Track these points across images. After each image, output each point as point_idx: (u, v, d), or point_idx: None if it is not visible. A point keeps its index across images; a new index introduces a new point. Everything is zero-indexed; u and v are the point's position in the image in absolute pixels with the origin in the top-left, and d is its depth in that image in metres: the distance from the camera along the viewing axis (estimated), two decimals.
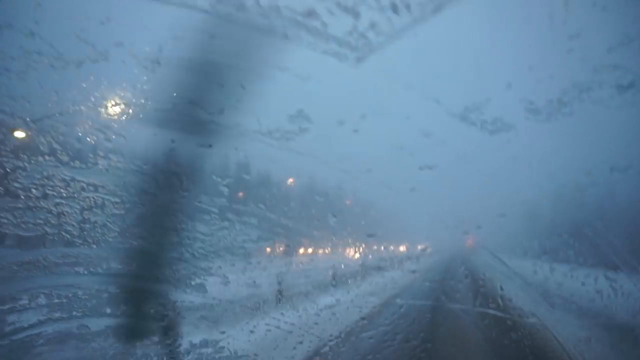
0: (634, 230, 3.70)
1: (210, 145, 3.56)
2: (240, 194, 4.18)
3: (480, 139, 3.25)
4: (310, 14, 2.84)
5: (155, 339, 4.07)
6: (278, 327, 4.50)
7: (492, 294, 4.60)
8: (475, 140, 3.34)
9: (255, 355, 4.35)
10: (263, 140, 3.74)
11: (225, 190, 4.16)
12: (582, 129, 3.36)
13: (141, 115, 3.71)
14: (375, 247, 4.48)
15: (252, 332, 4.34)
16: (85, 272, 4.26)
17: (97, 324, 3.93)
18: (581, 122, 3.26)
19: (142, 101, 3.64)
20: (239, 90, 3.59)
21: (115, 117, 3.78)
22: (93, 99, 3.58)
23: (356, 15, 2.82)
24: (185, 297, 4.44)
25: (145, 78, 3.40)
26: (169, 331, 4.20)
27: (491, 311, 4.51)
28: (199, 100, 3.76)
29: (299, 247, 4.68)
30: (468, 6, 2.61)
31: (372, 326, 4.49)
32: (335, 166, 3.76)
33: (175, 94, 3.67)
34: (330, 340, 4.23)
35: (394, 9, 2.72)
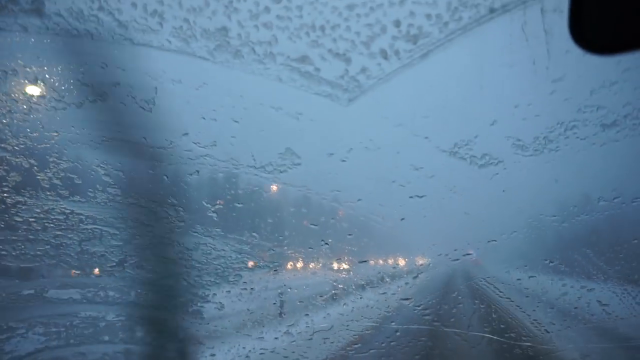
0: (620, 254, 3.79)
1: (197, 172, 3.64)
2: (235, 223, 4.26)
3: (469, 172, 3.34)
4: (304, 59, 2.94)
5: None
6: (273, 352, 4.55)
7: (486, 318, 4.67)
8: (465, 174, 3.43)
9: None
10: (256, 174, 3.82)
11: (221, 220, 4.24)
12: (569, 163, 3.46)
13: (137, 151, 3.80)
14: (367, 272, 4.55)
15: (247, 357, 4.40)
16: (84, 301, 4.33)
17: (94, 351, 3.99)
18: (567, 157, 3.36)
19: (139, 138, 3.74)
20: (232, 124, 3.69)
21: (113, 153, 3.87)
22: (92, 137, 3.67)
23: (347, 60, 2.92)
24: (182, 324, 4.50)
25: (142, 116, 3.49)
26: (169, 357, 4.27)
27: (487, 335, 4.58)
28: (193, 135, 3.85)
29: (293, 273, 4.75)
30: (454, 52, 2.71)
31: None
32: (327, 196, 3.84)
33: (170, 131, 3.77)
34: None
35: (384, 55, 2.82)
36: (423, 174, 3.44)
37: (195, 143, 3.60)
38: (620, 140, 3.23)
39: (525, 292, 4.39)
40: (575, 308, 4.23)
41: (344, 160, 3.25)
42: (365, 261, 4.47)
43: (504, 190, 3.59)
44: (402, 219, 3.90)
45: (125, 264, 4.32)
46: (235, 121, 3.41)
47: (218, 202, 4.01)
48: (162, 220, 4.26)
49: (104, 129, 3.53)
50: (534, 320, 4.46)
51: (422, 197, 3.37)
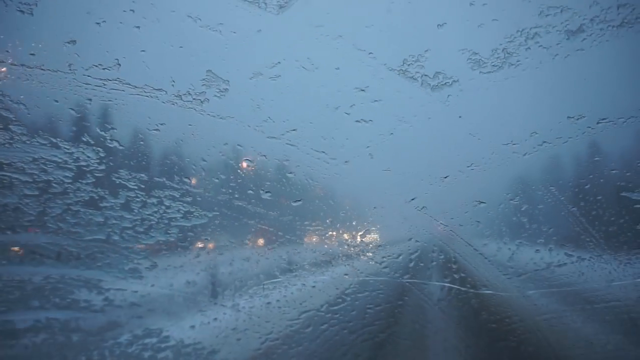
0: (586, 186, 3.47)
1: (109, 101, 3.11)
2: (160, 167, 3.76)
3: (421, 94, 2.92)
4: None
5: (93, 331, 3.73)
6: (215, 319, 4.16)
7: (446, 266, 4.37)
8: (416, 97, 3.01)
9: (201, 342, 4.04)
10: (177, 103, 3.33)
11: (145, 163, 3.75)
12: (530, 79, 3.07)
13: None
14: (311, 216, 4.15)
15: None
16: (4, 262, 3.85)
17: (23, 319, 3.55)
18: (528, 73, 2.97)
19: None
20: (141, 38, 3.17)
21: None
22: None
23: None
24: (119, 284, 4.07)
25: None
26: (107, 322, 3.86)
27: (447, 284, 4.29)
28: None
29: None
30: None
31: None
32: (258, 127, 3.37)
33: None
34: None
35: None
36: (367, 97, 3.00)
37: (98, 66, 3.05)
38: (586, 50, 2.85)
39: (485, 235, 4.07)
40: (537, 251, 3.95)
41: (273, 80, 2.78)
42: (299, 201, 4.03)
43: (460, 116, 3.19)
44: (346, 161, 3.48)
45: (45, 217, 3.83)
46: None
47: (140, 140, 3.50)
48: (80, 163, 3.76)
49: None
50: (494, 266, 4.16)
51: (368, 121, 2.94)
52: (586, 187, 3.42)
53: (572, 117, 3.12)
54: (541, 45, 2.88)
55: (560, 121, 3.15)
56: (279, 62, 2.93)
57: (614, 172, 3.30)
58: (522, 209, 3.64)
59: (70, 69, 3.31)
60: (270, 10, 2.78)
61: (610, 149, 3.47)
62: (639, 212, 3.39)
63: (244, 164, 3.76)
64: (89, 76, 3.23)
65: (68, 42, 3.17)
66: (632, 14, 2.71)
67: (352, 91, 3.05)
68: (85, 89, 3.33)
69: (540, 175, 3.62)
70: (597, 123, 3.15)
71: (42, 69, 3.25)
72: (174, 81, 3.27)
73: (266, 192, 3.93)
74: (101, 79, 3.31)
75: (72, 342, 3.78)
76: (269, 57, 2.87)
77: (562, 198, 3.48)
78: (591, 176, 3.42)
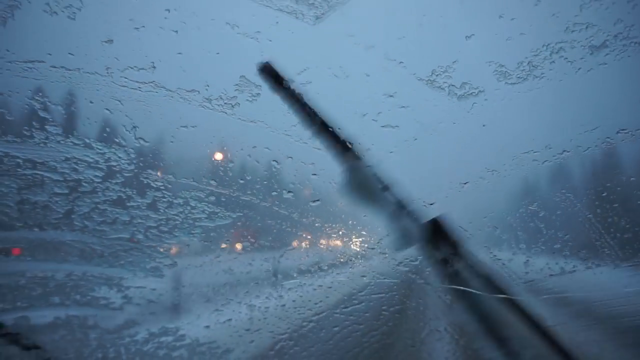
0: (603, 194, 3.58)
1: (142, 102, 3.20)
2: (189, 168, 3.85)
3: (447, 103, 3.03)
4: None
5: (111, 328, 3.66)
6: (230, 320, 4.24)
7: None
8: (442, 105, 3.12)
9: (216, 341, 4.11)
10: (207, 107, 3.43)
11: (174, 165, 3.85)
12: (553, 91, 3.19)
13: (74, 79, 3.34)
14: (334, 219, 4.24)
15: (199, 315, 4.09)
16: (29, 259, 3.93)
17: (43, 316, 3.62)
18: (551, 85, 3.08)
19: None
20: (179, 43, 3.27)
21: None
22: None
23: None
24: (140, 282, 4.15)
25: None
26: (125, 320, 3.94)
27: (461, 288, 4.34)
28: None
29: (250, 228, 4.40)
30: None
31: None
32: (288, 132, 3.47)
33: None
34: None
35: None
36: (395, 103, 3.11)
37: (134, 67, 3.15)
38: (609, 64, 2.97)
39: (502, 240, 4.16)
40: (553, 257, 4.04)
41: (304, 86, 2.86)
42: (317, 200, 4.11)
43: (484, 125, 3.30)
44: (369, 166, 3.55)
45: (72, 216, 3.92)
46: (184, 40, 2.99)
47: (170, 142, 3.61)
48: (111, 163, 3.85)
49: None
50: (510, 271, 4.25)
51: (395, 127, 3.04)
52: (603, 194, 3.53)
53: (592, 128, 3.24)
54: (566, 59, 3.00)
55: (581, 131, 3.27)
56: (311, 69, 3.03)
57: (632, 179, 3.41)
58: (540, 215, 3.74)
59: (107, 72, 3.41)
60: (307, 21, 2.89)
61: (628, 159, 3.59)
62: None
63: (269, 165, 3.86)
64: (125, 78, 3.33)
65: (105, 42, 3.27)
66: None
67: (381, 97, 3.15)
68: (121, 90, 3.42)
69: (559, 182, 3.73)
70: (617, 133, 3.28)
71: (79, 71, 3.35)
72: (207, 85, 3.38)
73: (289, 192, 4.03)
74: (137, 82, 3.41)
75: (89, 339, 3.86)
76: (301, 64, 2.98)
77: (579, 205, 3.59)
78: (608, 184, 3.54)
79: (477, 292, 4.41)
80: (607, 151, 3.44)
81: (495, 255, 4.26)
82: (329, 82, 3.16)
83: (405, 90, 3.13)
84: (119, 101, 3.49)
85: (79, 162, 3.77)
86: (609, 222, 3.67)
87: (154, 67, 3.28)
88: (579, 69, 3.01)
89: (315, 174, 3.76)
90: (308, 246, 4.55)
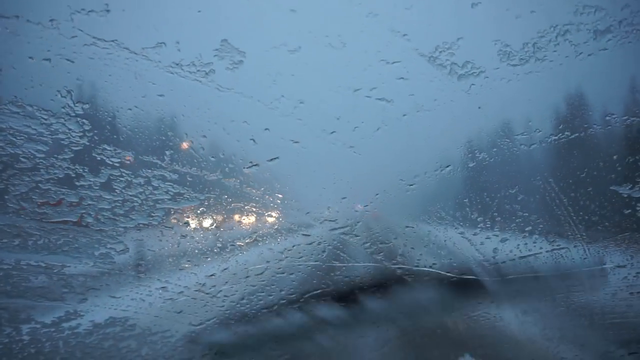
0: (579, 182, 3.67)
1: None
2: (156, 143, 3.39)
3: (447, 82, 2.86)
4: None
5: (47, 321, 3.30)
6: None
7: (435, 252, 4.44)
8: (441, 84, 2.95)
9: (169, 330, 3.79)
10: (184, 75, 2.98)
11: (139, 140, 3.35)
12: (552, 74, 3.14)
13: None
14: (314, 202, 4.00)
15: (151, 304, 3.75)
16: None
17: None
18: (551, 68, 3.02)
19: None
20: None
21: None
22: None
23: None
24: (85, 270, 3.71)
25: None
26: (65, 312, 3.51)
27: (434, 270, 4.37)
28: None
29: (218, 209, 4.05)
30: None
31: None
32: (271, 107, 3.13)
33: None
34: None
35: None
36: (392, 79, 2.88)
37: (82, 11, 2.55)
38: (610, 49, 2.96)
39: (477, 222, 4.17)
40: (524, 238, 4.13)
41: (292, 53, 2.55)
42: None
43: (479, 107, 3.19)
44: (351, 146, 3.35)
45: (5, 196, 3.37)
46: None
47: (129, 109, 3.04)
48: (58, 136, 3.28)
49: None
50: (480, 253, 4.30)
51: (390, 100, 2.81)
52: (581, 178, 3.61)
53: (582, 112, 3.27)
54: (570, 42, 2.94)
55: (570, 116, 3.28)
56: (303, 34, 2.71)
57: (608, 165, 3.51)
58: (518, 198, 3.77)
59: (52, 24, 2.81)
60: None
61: (611, 144, 3.69)
62: (621, 204, 3.66)
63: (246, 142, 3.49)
64: (79, 29, 2.74)
65: None
66: None
67: (377, 72, 2.92)
68: (71, 44, 2.83)
69: (543, 166, 3.76)
70: (606, 117, 3.33)
71: (19, 19, 2.71)
72: (179, 49, 2.91)
73: (264, 173, 3.70)
74: (92, 37, 2.84)
75: (21, 334, 3.44)
76: (298, 32, 2.65)
77: (557, 189, 3.65)
78: (586, 169, 3.62)
79: (446, 273, 4.44)
80: (593, 136, 3.50)
81: (467, 238, 4.29)
82: (323, 52, 2.86)
83: (405, 66, 2.91)
84: (70, 60, 2.92)
85: (16, 133, 3.17)
86: (580, 205, 3.78)
87: (108, 11, 2.70)
88: (580, 53, 2.98)
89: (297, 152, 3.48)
90: (279, 230, 4.27)
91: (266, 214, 4.28)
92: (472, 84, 3.04)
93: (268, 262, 4.04)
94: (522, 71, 3.03)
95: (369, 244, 4.17)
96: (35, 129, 3.09)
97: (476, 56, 2.96)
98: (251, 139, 3.38)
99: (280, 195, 3.89)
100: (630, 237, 3.78)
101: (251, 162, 3.39)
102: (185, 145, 3.40)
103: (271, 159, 3.36)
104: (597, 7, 2.84)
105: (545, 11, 2.92)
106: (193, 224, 3.85)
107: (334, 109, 3.08)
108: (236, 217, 4.15)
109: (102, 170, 3.45)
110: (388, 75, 2.93)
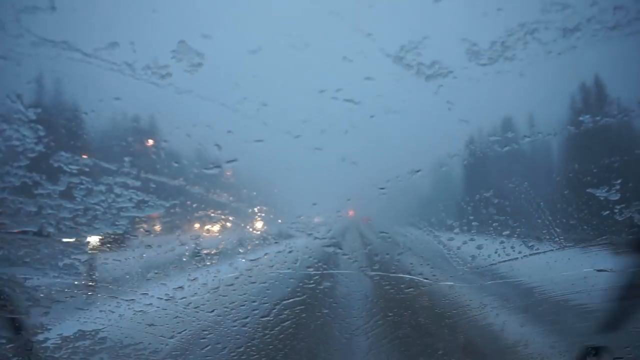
0: (555, 184, 3.58)
1: None
2: (116, 149, 3.26)
3: (414, 83, 2.77)
4: None
5: (11, 335, 3.19)
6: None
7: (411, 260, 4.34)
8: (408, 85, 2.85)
9: (142, 342, 3.65)
10: (140, 78, 2.86)
11: (98, 145, 3.23)
12: (521, 75, 3.06)
13: None
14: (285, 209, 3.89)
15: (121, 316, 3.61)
16: None
17: None
18: (520, 68, 2.94)
19: None
20: None
21: None
22: None
23: None
24: (49, 282, 3.56)
25: None
26: (31, 325, 3.33)
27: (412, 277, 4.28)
28: None
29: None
30: None
31: None
32: (234, 110, 3.01)
33: None
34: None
35: None
36: (357, 80, 2.78)
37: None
38: (579, 48, 2.88)
39: (453, 228, 4.08)
40: (501, 243, 4.05)
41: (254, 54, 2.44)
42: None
43: (449, 109, 3.10)
44: (318, 148, 3.22)
45: None
46: None
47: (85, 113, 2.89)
48: (12, 142, 3.14)
49: None
50: (459, 258, 4.21)
51: (357, 103, 2.71)
52: (557, 181, 3.52)
53: (555, 113, 3.19)
54: (539, 41, 2.86)
55: (543, 117, 3.20)
56: (267, 37, 2.61)
57: (583, 168, 3.43)
58: (494, 202, 3.67)
59: None
60: None
61: (586, 146, 3.61)
62: (598, 207, 3.57)
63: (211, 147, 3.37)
64: (26, 29, 2.60)
65: None
66: (626, 17, 2.78)
67: (342, 72, 2.82)
68: (18, 45, 2.69)
69: (518, 169, 3.67)
70: (579, 118, 3.25)
71: None
72: (134, 51, 2.79)
73: (230, 179, 3.59)
74: (43, 39, 2.71)
75: None
76: (258, 32, 2.54)
77: (532, 192, 3.56)
78: (562, 171, 3.53)
79: (424, 279, 4.35)
80: (567, 137, 3.41)
81: (443, 244, 4.20)
82: (285, 52, 2.75)
83: (371, 66, 2.81)
84: (16, 62, 2.78)
85: None
86: (557, 208, 3.70)
87: (54, 8, 2.55)
88: (550, 52, 2.90)
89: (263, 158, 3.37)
90: (249, 237, 4.15)
91: (234, 222, 4.16)
92: (441, 85, 2.96)
93: (238, 270, 3.93)
94: (492, 71, 2.95)
95: (343, 251, 4.07)
96: None
97: (443, 56, 2.87)
98: (216, 145, 3.26)
99: (248, 202, 3.77)
100: (608, 240, 3.70)
101: (212, 164, 3.27)
102: (146, 150, 3.28)
103: (229, 161, 3.23)
104: (564, 4, 2.77)
105: (513, 9, 2.84)
106: (159, 232, 3.73)
107: (300, 111, 2.97)
108: (203, 224, 4.03)
109: (61, 178, 3.31)
110: (354, 76, 2.84)
